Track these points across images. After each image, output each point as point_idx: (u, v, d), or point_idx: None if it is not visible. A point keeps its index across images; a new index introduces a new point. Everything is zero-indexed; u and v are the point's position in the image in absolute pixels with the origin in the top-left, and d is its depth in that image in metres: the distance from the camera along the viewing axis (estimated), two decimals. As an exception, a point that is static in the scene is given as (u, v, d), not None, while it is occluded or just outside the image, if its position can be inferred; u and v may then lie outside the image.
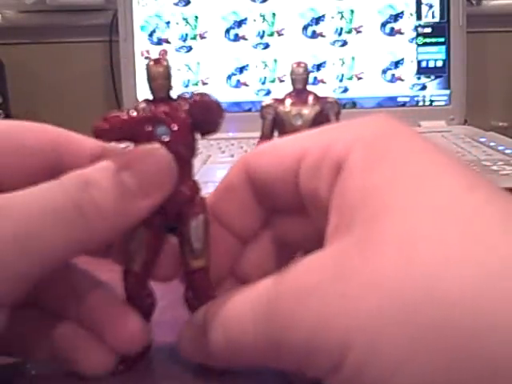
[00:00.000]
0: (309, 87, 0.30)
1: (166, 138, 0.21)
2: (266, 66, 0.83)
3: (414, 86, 0.83)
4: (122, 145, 0.23)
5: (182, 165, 0.22)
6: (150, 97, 0.22)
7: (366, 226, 0.17)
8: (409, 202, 0.17)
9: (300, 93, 0.30)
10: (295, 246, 0.24)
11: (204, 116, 0.22)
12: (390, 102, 0.83)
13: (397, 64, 0.83)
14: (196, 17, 0.83)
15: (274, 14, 0.83)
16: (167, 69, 0.22)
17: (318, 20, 0.83)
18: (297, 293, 0.18)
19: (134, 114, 0.22)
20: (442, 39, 0.83)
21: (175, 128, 0.22)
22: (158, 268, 0.23)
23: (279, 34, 0.83)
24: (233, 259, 0.24)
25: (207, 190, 0.24)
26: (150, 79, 0.22)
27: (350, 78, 0.83)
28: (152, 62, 0.22)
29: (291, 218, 0.23)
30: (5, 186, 0.21)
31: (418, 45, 0.83)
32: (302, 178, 0.21)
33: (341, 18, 0.83)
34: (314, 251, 0.19)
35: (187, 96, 0.22)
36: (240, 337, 0.19)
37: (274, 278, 0.19)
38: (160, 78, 0.22)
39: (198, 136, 0.22)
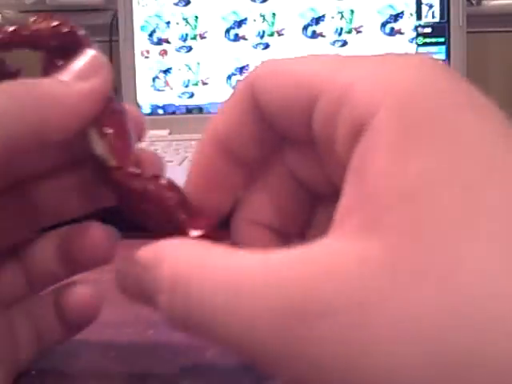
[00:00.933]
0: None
1: None
2: (265, 66, 0.83)
3: (414, 86, 0.83)
4: None
5: None
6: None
7: (399, 235, 0.14)
8: (464, 219, 0.13)
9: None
10: (305, 182, 0.22)
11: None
12: (390, 102, 0.83)
13: (397, 64, 0.83)
14: (196, 17, 0.83)
15: (274, 14, 0.83)
16: None
17: (318, 20, 0.83)
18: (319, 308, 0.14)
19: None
20: (442, 39, 0.83)
21: None
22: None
23: (279, 34, 0.83)
24: (235, 192, 0.23)
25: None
26: None
27: (350, 78, 0.83)
28: None
29: (302, 150, 0.21)
30: None
31: (418, 45, 0.83)
32: (316, 121, 0.18)
33: (341, 18, 0.83)
34: (322, 241, 0.15)
35: None
36: (224, 326, 0.15)
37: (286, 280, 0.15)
38: None
39: None
